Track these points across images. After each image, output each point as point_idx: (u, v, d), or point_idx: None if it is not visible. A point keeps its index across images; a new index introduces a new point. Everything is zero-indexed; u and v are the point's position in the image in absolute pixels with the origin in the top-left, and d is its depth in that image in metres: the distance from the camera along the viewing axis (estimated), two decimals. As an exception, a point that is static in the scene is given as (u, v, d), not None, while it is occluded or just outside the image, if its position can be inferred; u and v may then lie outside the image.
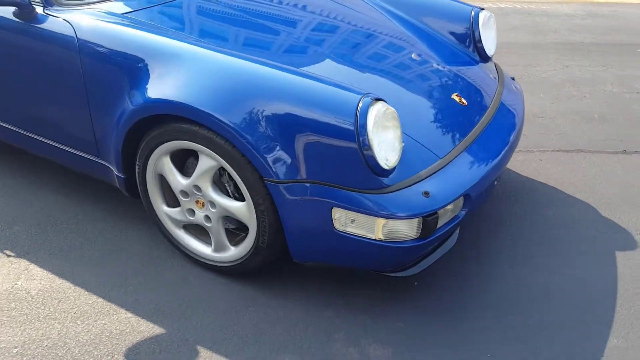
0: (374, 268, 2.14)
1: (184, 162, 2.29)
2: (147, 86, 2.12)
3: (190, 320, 2.17)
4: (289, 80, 2.00)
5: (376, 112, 1.90)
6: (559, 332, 2.19)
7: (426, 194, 2.01)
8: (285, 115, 1.95)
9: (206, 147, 2.08)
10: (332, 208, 1.98)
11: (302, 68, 2.22)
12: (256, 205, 2.07)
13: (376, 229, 1.98)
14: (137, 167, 2.30)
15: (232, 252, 2.27)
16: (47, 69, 2.37)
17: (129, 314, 2.18)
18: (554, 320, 2.24)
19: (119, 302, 2.23)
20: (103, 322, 2.15)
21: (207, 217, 2.25)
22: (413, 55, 2.61)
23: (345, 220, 1.99)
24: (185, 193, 2.24)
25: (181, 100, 2.02)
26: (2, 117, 2.67)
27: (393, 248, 2.01)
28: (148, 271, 2.39)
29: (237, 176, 2.06)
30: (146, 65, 2.14)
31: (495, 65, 2.99)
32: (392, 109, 1.96)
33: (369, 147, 1.88)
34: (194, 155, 2.25)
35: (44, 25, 2.31)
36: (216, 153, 2.06)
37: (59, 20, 2.30)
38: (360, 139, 1.87)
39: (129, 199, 2.59)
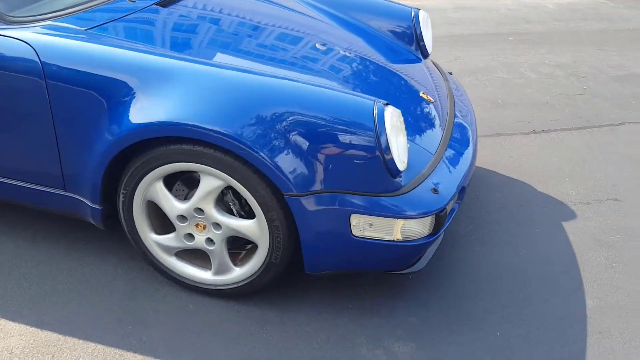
0: (388, 268, 2.17)
1: (171, 185, 2.15)
2: (138, 108, 1.96)
3: (207, 351, 2.05)
4: (300, 90, 1.96)
5: (390, 116, 1.93)
6: (544, 304, 2.37)
7: (435, 190, 2.08)
8: (299, 126, 1.91)
9: (211, 167, 1.97)
10: (350, 215, 1.98)
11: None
12: (270, 221, 2.01)
13: (395, 230, 2.01)
14: (121, 196, 2.12)
15: (238, 273, 2.18)
16: (-2, 98, 2.09)
17: (140, 357, 2.01)
18: (536, 294, 2.42)
19: (123, 346, 2.05)
20: (114, 370, 1.97)
21: (209, 240, 2.13)
22: (374, 59, 2.67)
23: (363, 226, 2.00)
24: (182, 217, 2.11)
25: (188, 121, 1.89)
26: None
27: (409, 246, 2.05)
28: (140, 306, 2.21)
29: (248, 194, 1.98)
30: (134, 86, 1.98)
31: (432, 61, 3.14)
32: (399, 111, 2.00)
33: (389, 151, 1.90)
34: (179, 177, 2.12)
35: (-5, 48, 2.03)
36: (224, 172, 1.96)
37: (11, 42, 2.03)
38: (381, 143, 1.89)
39: (88, 233, 2.44)
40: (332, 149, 1.91)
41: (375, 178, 1.95)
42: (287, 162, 1.90)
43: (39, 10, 2.16)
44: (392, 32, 3.00)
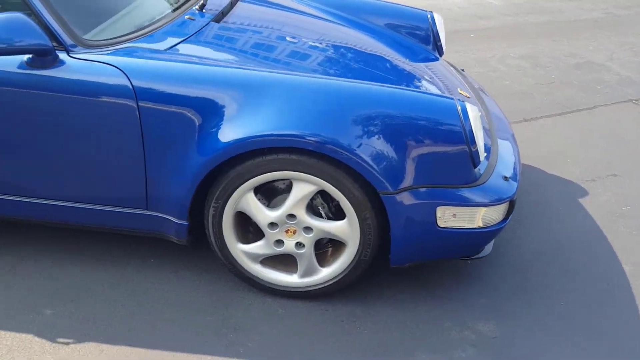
0: (465, 255, 2.33)
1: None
2: (236, 123, 2.03)
3: (313, 350, 2.14)
4: (386, 93, 2.09)
5: (471, 110, 2.09)
6: (589, 272, 2.60)
7: (505, 179, 2.26)
8: (390, 127, 2.03)
9: (304, 173, 2.06)
10: (437, 207, 2.13)
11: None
12: (362, 220, 2.12)
13: (477, 218, 2.17)
14: (212, 209, 2.17)
15: (325, 273, 2.27)
16: (80, 124, 2.09)
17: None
18: (580, 264, 2.65)
19: (232, 354, 2.11)
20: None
21: (299, 244, 2.22)
22: (402, 62, 2.82)
23: (447, 216, 2.15)
24: (273, 225, 2.18)
25: (290, 131, 1.99)
26: (5, 189, 2.27)
27: (488, 232, 2.22)
28: (233, 315, 2.27)
29: (341, 195, 2.08)
30: (228, 101, 2.05)
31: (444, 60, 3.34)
32: (475, 106, 2.16)
33: (475, 143, 2.06)
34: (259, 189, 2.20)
35: (75, 73, 2.04)
36: (318, 177, 2.06)
37: (98, 65, 2.04)
38: (467, 137, 2.04)
39: (155, 251, 2.52)
40: (421, 146, 2.05)
41: (460, 170, 2.10)
42: (382, 162, 2.02)
43: (113, 32, 2.17)
44: (410, 34, 3.17)
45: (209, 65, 2.11)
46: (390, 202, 2.07)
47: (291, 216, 2.16)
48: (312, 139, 1.98)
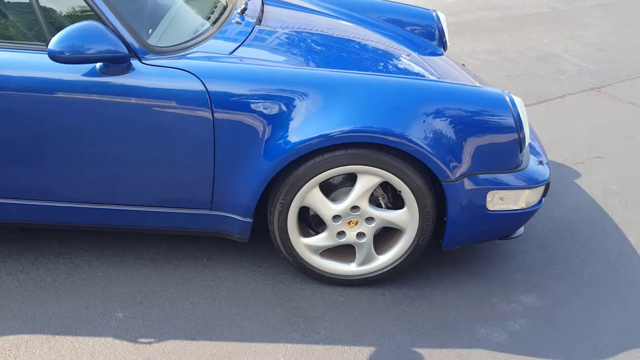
0: (505, 235, 2.53)
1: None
2: (310, 122, 2.14)
3: (383, 333, 2.28)
4: (443, 88, 2.26)
5: (518, 101, 2.29)
6: (601, 244, 2.88)
7: (540, 163, 2.48)
8: (450, 119, 2.20)
9: (370, 166, 2.20)
10: (487, 192, 2.31)
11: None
12: (423, 207, 2.28)
13: (521, 200, 2.37)
14: (279, 205, 2.27)
15: (382, 260, 2.42)
16: (152, 130, 2.14)
17: (328, 347, 2.19)
18: (592, 237, 2.92)
19: (309, 341, 2.22)
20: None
21: (360, 235, 2.35)
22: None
23: (496, 200, 2.34)
24: (337, 217, 2.30)
25: (367, 127, 2.11)
26: (70, 196, 2.28)
27: (528, 213, 2.43)
28: (300, 305, 2.38)
29: (404, 185, 2.23)
30: (302, 101, 2.14)
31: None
32: (518, 97, 2.36)
33: (523, 130, 2.27)
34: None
35: (150, 79, 2.09)
36: (382, 169, 2.20)
37: (173, 71, 2.09)
38: (518, 125, 2.24)
39: (205, 250, 2.61)
40: (476, 136, 2.23)
41: (510, 157, 2.30)
42: (444, 152, 2.19)
43: (174, 39, 2.22)
44: (417, 32, 3.35)
45: (278, 66, 2.21)
46: (450, 189, 2.24)
47: (354, 208, 2.29)
48: (384, 133, 2.12)
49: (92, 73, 2.07)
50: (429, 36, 3.37)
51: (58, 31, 2.01)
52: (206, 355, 2.12)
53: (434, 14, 3.37)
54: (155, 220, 2.37)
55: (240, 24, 2.51)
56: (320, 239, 2.37)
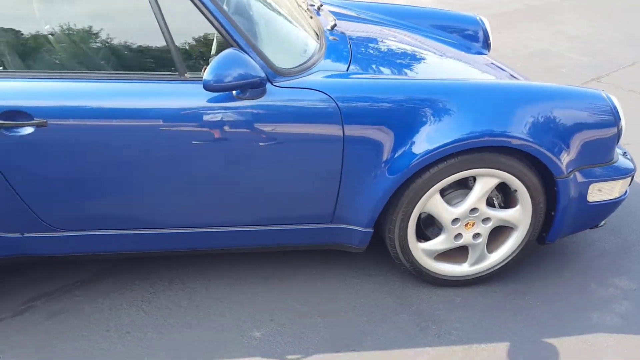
0: (595, 224, 2.67)
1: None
2: (436, 130, 2.21)
3: (510, 328, 2.38)
4: (550, 90, 2.40)
5: (614, 98, 2.44)
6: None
7: (624, 154, 2.64)
8: (561, 119, 2.32)
9: (489, 168, 2.30)
10: (590, 185, 2.45)
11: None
12: (536, 204, 2.40)
13: (615, 190, 2.52)
14: (401, 213, 2.34)
15: (493, 258, 2.52)
16: (283, 149, 2.18)
17: (465, 346, 2.28)
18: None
19: (445, 343, 2.30)
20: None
21: (476, 235, 2.45)
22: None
23: (595, 192, 2.48)
24: (456, 220, 2.39)
25: (485, 133, 2.21)
26: (193, 222, 2.28)
27: (618, 202, 2.58)
28: (421, 308, 2.45)
29: (520, 184, 2.35)
30: (422, 112, 2.22)
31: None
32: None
33: (620, 125, 2.42)
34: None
35: (285, 100, 2.13)
36: (501, 170, 2.30)
37: (305, 91, 2.14)
38: (619, 122, 2.39)
39: (316, 264, 2.66)
40: (583, 132, 2.36)
41: (608, 150, 2.45)
42: (558, 150, 2.31)
43: (292, 60, 2.26)
44: (463, 35, 3.49)
45: (402, 79, 2.28)
46: (562, 184, 2.36)
47: (473, 210, 2.39)
48: (507, 137, 2.22)
49: (228, 98, 2.09)
50: (473, 39, 3.51)
51: (190, 61, 2.03)
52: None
53: (478, 18, 3.51)
54: (274, 238, 2.40)
55: (337, 40, 2.56)
56: (438, 243, 2.45)
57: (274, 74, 2.14)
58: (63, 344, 2.20)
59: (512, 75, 2.89)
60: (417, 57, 2.75)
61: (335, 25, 2.68)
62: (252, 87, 2.06)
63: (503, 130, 2.23)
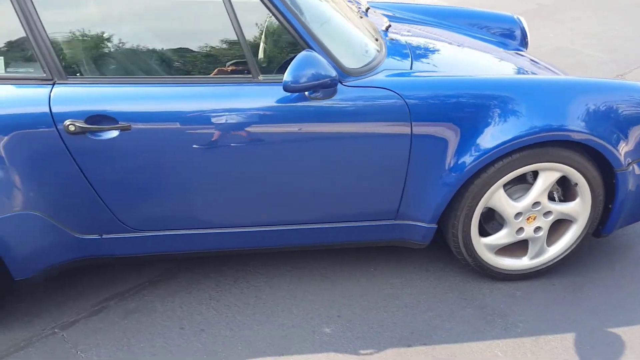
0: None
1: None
2: (498, 127, 2.26)
3: (573, 318, 2.43)
4: (605, 84, 2.44)
5: None
6: None
7: None
8: (616, 112, 2.36)
9: (552, 162, 2.34)
10: (643, 175, 2.50)
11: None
12: (595, 197, 2.44)
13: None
14: (466, 208, 2.38)
15: (552, 252, 2.56)
16: (351, 148, 2.23)
17: (530, 339, 2.32)
18: None
19: (513, 335, 2.34)
20: None
21: (537, 229, 2.49)
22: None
23: None
24: (518, 214, 2.44)
25: (551, 128, 2.25)
26: (260, 221, 2.33)
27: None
28: (484, 303, 2.49)
29: (581, 178, 2.39)
30: (487, 108, 2.26)
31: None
32: None
33: None
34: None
35: (355, 100, 2.18)
36: (563, 164, 2.34)
37: (374, 90, 2.18)
38: None
39: (371, 260, 2.69)
40: (638, 124, 2.40)
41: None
42: (617, 142, 2.35)
43: (360, 60, 2.30)
44: (501, 34, 3.54)
45: (463, 76, 2.32)
46: (622, 177, 2.40)
47: (535, 204, 2.43)
48: (569, 131, 2.27)
49: (301, 98, 2.14)
50: (511, 38, 3.56)
51: (263, 64, 2.07)
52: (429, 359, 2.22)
53: (515, 17, 3.56)
54: (338, 236, 2.45)
55: (394, 40, 2.61)
56: (500, 237, 2.49)
57: (343, 74, 2.18)
58: (141, 342, 2.24)
59: (558, 72, 2.94)
60: (469, 55, 2.80)
61: (389, 26, 2.73)
62: (325, 87, 2.10)
63: (564, 124, 2.27)
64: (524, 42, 3.56)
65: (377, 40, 2.53)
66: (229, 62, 2.19)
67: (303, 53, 2.05)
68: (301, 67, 2.02)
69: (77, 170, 2.09)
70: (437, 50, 2.74)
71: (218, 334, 2.29)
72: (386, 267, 2.68)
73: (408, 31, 2.93)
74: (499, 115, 2.27)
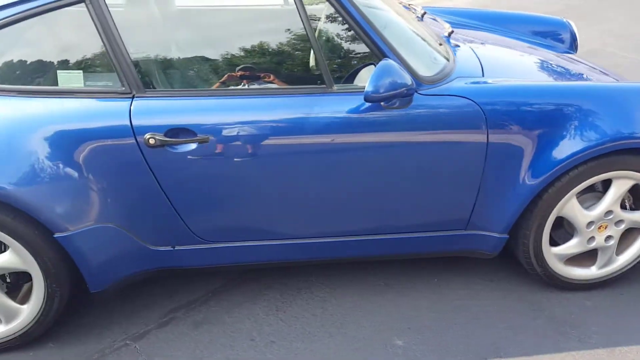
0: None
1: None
2: (576, 134, 2.22)
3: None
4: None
5: None
6: None
7: None
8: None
9: (627, 171, 2.30)
10: None
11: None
12: (668, 204, 2.40)
13: None
14: (538, 218, 2.34)
15: (621, 260, 2.52)
16: (425, 157, 2.20)
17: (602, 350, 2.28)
18: None
19: (588, 347, 2.30)
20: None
21: (609, 237, 2.45)
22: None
23: None
24: (590, 223, 2.40)
25: (633, 133, 2.22)
26: (329, 232, 2.31)
27: None
28: (557, 315, 2.45)
29: (656, 185, 2.35)
30: (564, 115, 2.22)
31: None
32: None
33: None
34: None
35: (429, 108, 2.16)
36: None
37: (449, 98, 2.16)
38: None
39: (430, 271, 2.64)
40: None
41: None
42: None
43: (432, 67, 2.27)
44: (553, 38, 3.50)
45: (537, 83, 2.29)
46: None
47: (607, 213, 2.39)
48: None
49: (376, 108, 2.11)
50: (560, 41, 3.52)
51: (336, 73, 2.06)
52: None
53: (565, 21, 3.52)
54: (406, 247, 2.42)
55: (460, 46, 2.58)
56: (571, 247, 2.45)
57: (418, 82, 2.16)
58: (214, 354, 2.23)
59: (616, 77, 2.90)
60: (533, 61, 2.76)
61: (452, 32, 2.70)
62: (402, 96, 2.08)
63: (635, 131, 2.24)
64: (573, 46, 3.50)
65: (441, 45, 2.50)
66: (304, 73, 2.17)
67: (383, 62, 2.03)
68: (381, 76, 2.00)
69: (154, 182, 2.08)
70: (502, 56, 2.71)
71: (290, 346, 2.27)
72: (449, 278, 2.65)
73: (468, 36, 2.90)
74: (573, 123, 2.24)
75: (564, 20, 3.54)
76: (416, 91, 2.15)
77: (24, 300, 2.17)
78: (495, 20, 3.47)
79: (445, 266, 2.69)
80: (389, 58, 2.10)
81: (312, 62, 2.40)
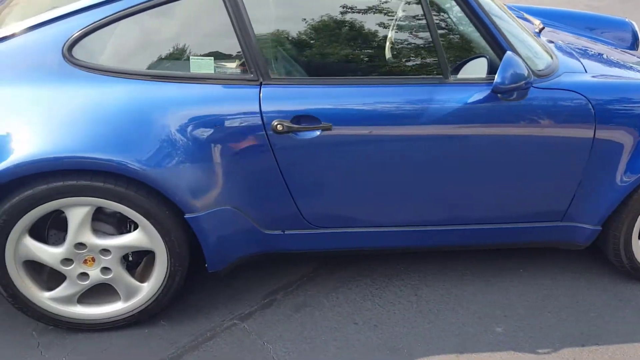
0: None
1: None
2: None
3: None
4: None
5: None
6: None
7: None
8: None
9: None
10: None
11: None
12: None
13: None
14: (631, 212, 2.41)
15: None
16: (533, 149, 2.27)
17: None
18: None
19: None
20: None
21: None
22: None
23: None
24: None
25: None
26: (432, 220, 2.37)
27: None
28: (587, 317, 2.52)
29: None
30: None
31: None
32: None
33: None
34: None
35: (542, 101, 2.22)
36: None
37: (561, 92, 2.22)
38: None
39: (517, 262, 2.70)
40: None
41: None
42: None
43: (540, 61, 2.33)
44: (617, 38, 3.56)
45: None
46: None
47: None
48: None
49: (493, 99, 2.16)
50: (622, 41, 3.58)
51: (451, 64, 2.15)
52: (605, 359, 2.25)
53: (628, 21, 3.59)
54: (500, 237, 2.48)
55: (553, 42, 2.63)
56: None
57: (533, 76, 2.21)
58: (322, 335, 2.27)
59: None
60: (619, 58, 2.82)
61: (543, 28, 2.75)
62: (522, 88, 2.13)
63: None
64: (634, 46, 3.57)
65: (539, 42, 2.55)
66: (422, 62, 2.22)
67: (509, 55, 2.09)
68: (507, 69, 2.06)
69: (276, 167, 2.12)
70: (592, 53, 2.76)
71: (393, 330, 2.32)
72: (533, 268, 2.71)
73: (555, 33, 2.95)
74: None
75: (627, 20, 3.61)
76: (532, 84, 2.20)
77: (141, 279, 2.20)
78: (557, 17, 3.52)
79: (528, 257, 2.75)
80: (507, 48, 2.15)
81: (387, 54, 2.43)
